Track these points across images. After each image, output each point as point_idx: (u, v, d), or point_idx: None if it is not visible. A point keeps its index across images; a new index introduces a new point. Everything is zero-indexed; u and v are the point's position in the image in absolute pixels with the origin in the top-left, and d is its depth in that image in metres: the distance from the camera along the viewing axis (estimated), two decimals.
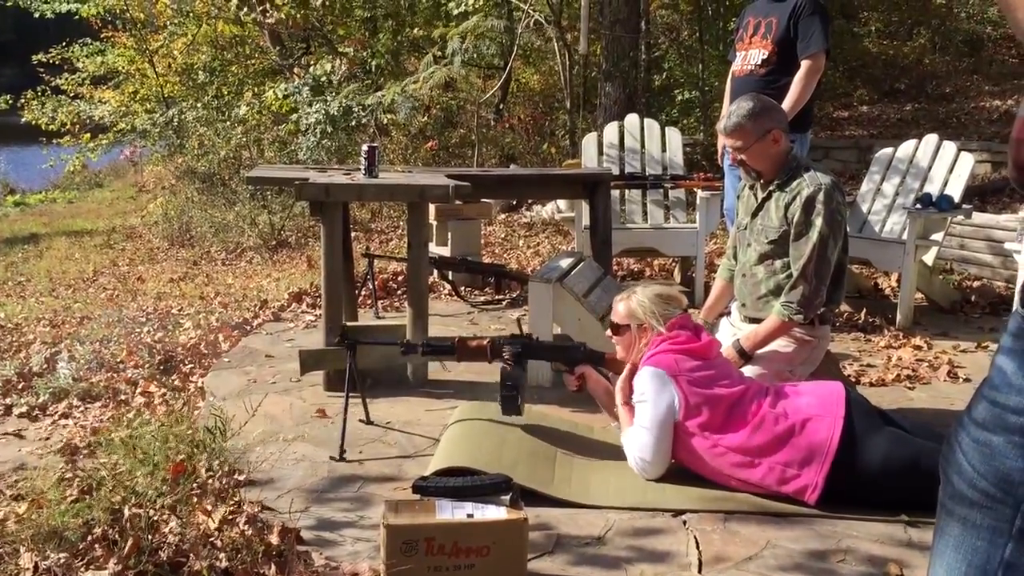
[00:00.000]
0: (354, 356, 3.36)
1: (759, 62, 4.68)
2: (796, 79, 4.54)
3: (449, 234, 5.96)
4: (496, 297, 5.69)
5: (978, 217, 6.05)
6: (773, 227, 3.41)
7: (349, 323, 4.07)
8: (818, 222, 3.29)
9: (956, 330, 4.96)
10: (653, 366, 2.91)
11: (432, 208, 5.68)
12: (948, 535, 1.19)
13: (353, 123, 9.03)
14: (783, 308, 3.31)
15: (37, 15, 12.77)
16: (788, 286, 3.33)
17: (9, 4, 13.02)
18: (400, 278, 5.90)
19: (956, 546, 1.17)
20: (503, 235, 8.12)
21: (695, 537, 2.61)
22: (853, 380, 4.03)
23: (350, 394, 3.32)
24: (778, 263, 3.42)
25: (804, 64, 4.55)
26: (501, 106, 11.92)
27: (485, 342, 3.30)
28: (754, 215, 3.51)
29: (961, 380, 4.15)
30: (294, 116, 9.42)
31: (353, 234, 5.38)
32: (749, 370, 3.30)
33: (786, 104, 4.42)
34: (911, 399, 3.91)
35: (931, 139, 5.42)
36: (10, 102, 13.02)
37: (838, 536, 2.63)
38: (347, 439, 3.23)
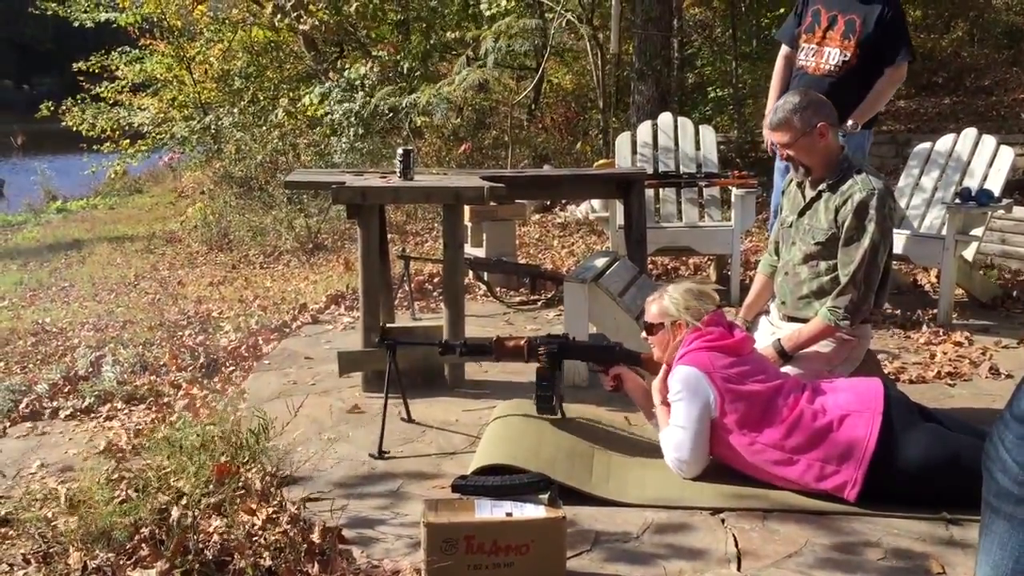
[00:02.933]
0: (394, 357, 3.40)
1: (838, 63, 4.49)
2: (882, 84, 4.45)
3: (484, 235, 5.98)
4: (531, 297, 5.71)
5: (1019, 211, 5.97)
6: (821, 229, 3.36)
7: (388, 325, 4.11)
8: (870, 228, 3.24)
9: (997, 326, 4.90)
10: (687, 364, 2.92)
11: (467, 209, 5.70)
12: (994, 532, 1.17)
13: (382, 125, 9.09)
14: (830, 313, 3.27)
15: (76, 24, 13.00)
16: (837, 291, 3.29)
17: (49, 13, 13.27)
18: (436, 279, 5.94)
19: (1003, 544, 1.16)
20: (537, 235, 8.14)
21: (734, 535, 2.61)
22: (893, 377, 4.00)
23: (391, 394, 3.36)
24: (823, 265, 3.38)
25: (891, 72, 4.46)
26: (534, 106, 11.93)
27: (522, 342, 3.32)
28: (801, 213, 3.47)
29: (1003, 377, 4.10)
30: (320, 112, 9.51)
31: (389, 236, 5.42)
32: (786, 368, 3.29)
33: (865, 107, 4.39)
34: (952, 396, 3.87)
35: (970, 132, 5.36)
36: (51, 109, 13.24)
37: (878, 534, 2.61)
38: (386, 439, 3.27)
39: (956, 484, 2.63)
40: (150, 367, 4.51)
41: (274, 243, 8.24)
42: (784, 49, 4.81)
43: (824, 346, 3.36)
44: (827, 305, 3.30)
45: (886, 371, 3.99)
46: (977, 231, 5.07)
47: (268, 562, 2.40)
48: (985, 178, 5.14)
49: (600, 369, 3.33)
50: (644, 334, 3.17)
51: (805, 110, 3.33)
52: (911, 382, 4.01)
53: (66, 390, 4.26)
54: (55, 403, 4.09)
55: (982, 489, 1.20)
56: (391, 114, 8.92)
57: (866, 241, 3.25)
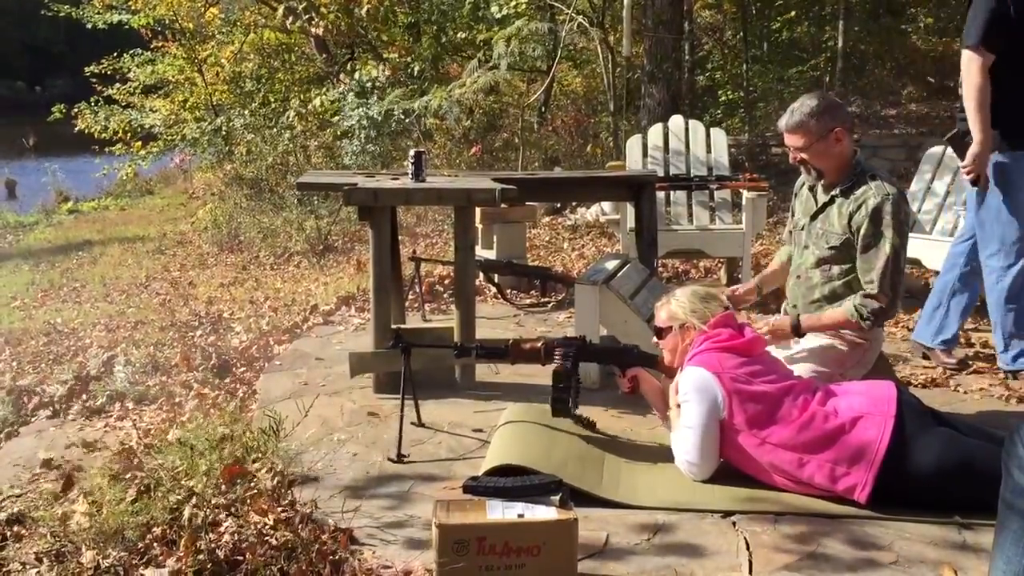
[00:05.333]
0: (408, 360, 3.39)
1: None
2: None
3: (494, 237, 5.99)
4: (542, 300, 5.70)
5: None
6: (835, 233, 3.35)
7: (400, 327, 4.11)
8: (888, 233, 3.22)
9: None
10: (696, 365, 2.92)
11: (477, 212, 5.71)
12: (1009, 528, 1.19)
13: (394, 126, 9.10)
14: (856, 309, 3.25)
15: (89, 26, 13.06)
16: (867, 292, 3.26)
17: (62, 15, 13.33)
18: (446, 281, 5.95)
19: (1016, 539, 1.17)
20: (548, 238, 8.14)
21: (745, 538, 2.61)
22: (905, 381, 3.99)
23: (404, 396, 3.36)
24: (835, 269, 3.37)
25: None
26: (544, 109, 11.93)
27: (539, 344, 3.31)
28: (813, 217, 3.46)
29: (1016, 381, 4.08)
30: (336, 118, 9.51)
31: (399, 238, 5.44)
32: (798, 369, 3.28)
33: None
34: (964, 400, 3.85)
35: None
36: (64, 111, 13.30)
37: (890, 538, 2.60)
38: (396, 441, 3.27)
39: (969, 488, 2.63)
40: (161, 368, 4.52)
41: (284, 244, 8.26)
42: (986, 58, 3.80)
43: (837, 349, 3.34)
44: (856, 301, 3.26)
45: (898, 375, 3.98)
46: None
47: (280, 562, 2.41)
48: None
49: (617, 372, 3.32)
50: (655, 339, 3.18)
51: (823, 114, 3.30)
52: (923, 386, 4.00)
53: (78, 390, 4.27)
54: (67, 403, 4.11)
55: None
56: (405, 118, 8.94)
57: (886, 247, 3.23)
